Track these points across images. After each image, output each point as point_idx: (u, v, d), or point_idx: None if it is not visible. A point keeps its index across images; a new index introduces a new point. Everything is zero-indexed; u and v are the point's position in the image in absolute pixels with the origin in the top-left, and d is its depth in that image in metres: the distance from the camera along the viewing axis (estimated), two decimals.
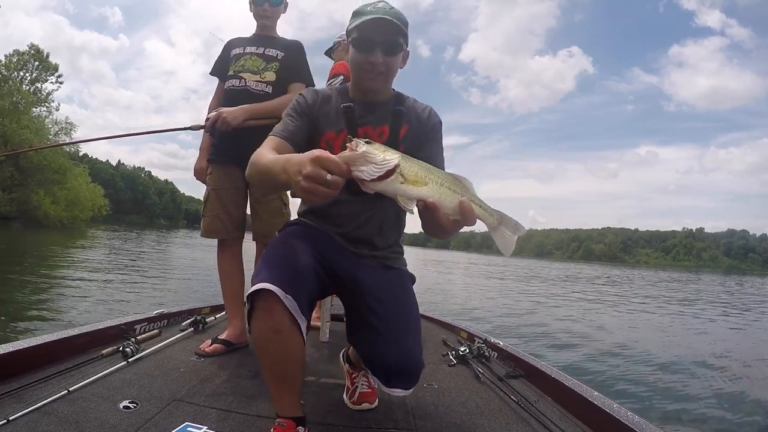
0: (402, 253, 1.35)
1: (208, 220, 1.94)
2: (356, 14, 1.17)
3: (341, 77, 2.27)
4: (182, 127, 1.93)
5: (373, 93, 1.24)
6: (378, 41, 1.13)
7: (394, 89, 1.30)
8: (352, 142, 0.80)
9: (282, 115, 1.23)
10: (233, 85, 1.94)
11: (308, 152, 0.79)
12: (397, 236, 1.32)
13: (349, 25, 1.18)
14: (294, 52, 1.98)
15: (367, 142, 0.79)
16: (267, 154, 1.03)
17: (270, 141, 1.15)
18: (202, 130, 1.98)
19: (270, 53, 1.96)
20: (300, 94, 1.26)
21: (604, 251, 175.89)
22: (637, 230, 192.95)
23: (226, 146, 1.92)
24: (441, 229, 0.88)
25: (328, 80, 2.36)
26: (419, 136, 1.24)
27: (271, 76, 1.93)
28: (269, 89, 1.91)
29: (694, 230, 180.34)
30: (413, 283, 1.33)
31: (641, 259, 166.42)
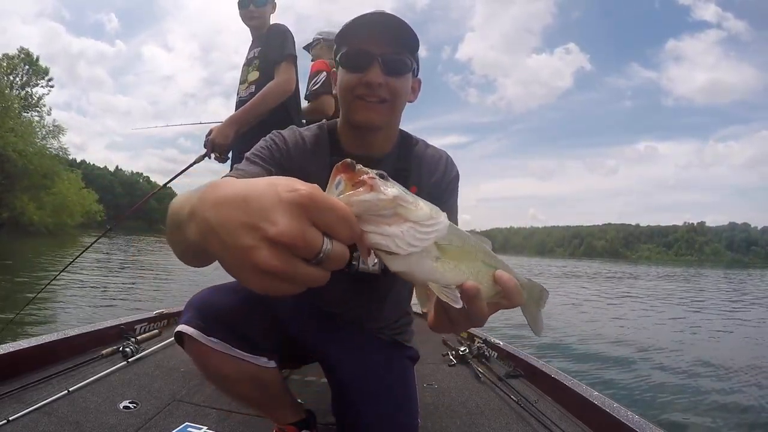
0: (410, 323, 1.09)
1: None
2: (344, 29, 0.87)
3: (324, 74, 2.13)
4: (190, 164, 1.91)
5: (370, 138, 0.91)
6: (377, 54, 0.82)
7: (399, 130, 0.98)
8: (363, 174, 0.39)
9: (246, 154, 0.90)
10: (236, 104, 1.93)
11: (269, 185, 0.34)
12: (404, 309, 1.07)
13: (336, 46, 0.89)
14: (268, 39, 1.88)
15: (381, 176, 0.40)
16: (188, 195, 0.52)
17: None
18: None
19: (251, 55, 1.94)
20: (277, 132, 0.93)
21: (605, 247, 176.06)
22: (638, 226, 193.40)
23: (233, 160, 1.93)
24: (471, 321, 0.51)
25: (310, 80, 2.19)
26: (432, 197, 0.91)
27: (254, 76, 1.89)
28: (252, 89, 1.86)
29: (695, 224, 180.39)
30: (415, 363, 1.07)
31: (643, 255, 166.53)
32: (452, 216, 0.92)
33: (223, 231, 0.33)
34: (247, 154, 0.88)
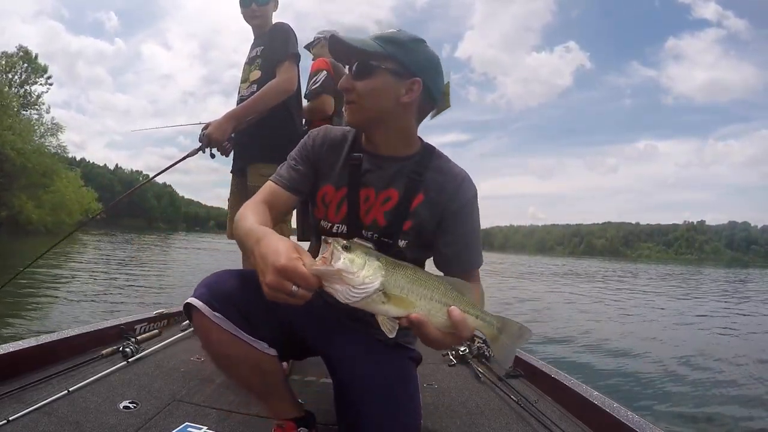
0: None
1: (228, 221, 1.96)
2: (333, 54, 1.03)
3: (324, 72, 2.10)
4: (184, 155, 1.92)
5: (371, 138, 1.01)
6: (352, 62, 0.95)
7: (422, 141, 1.04)
8: (329, 249, 0.66)
9: (288, 155, 1.05)
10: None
11: (274, 251, 0.67)
12: None
13: None
14: (271, 37, 1.87)
15: (345, 248, 0.66)
16: (249, 216, 0.87)
17: (264, 191, 1.00)
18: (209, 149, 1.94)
19: (253, 54, 1.93)
20: (310, 131, 1.07)
21: (605, 246, 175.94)
22: (638, 224, 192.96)
23: (233, 157, 1.95)
24: (433, 343, 0.71)
25: (310, 78, 2.17)
26: (439, 210, 0.98)
27: (256, 74, 1.88)
28: (254, 87, 1.85)
29: (695, 223, 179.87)
30: (417, 364, 1.09)
31: (643, 253, 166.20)
32: (469, 238, 0.99)
33: (257, 267, 0.70)
34: (288, 156, 1.05)
